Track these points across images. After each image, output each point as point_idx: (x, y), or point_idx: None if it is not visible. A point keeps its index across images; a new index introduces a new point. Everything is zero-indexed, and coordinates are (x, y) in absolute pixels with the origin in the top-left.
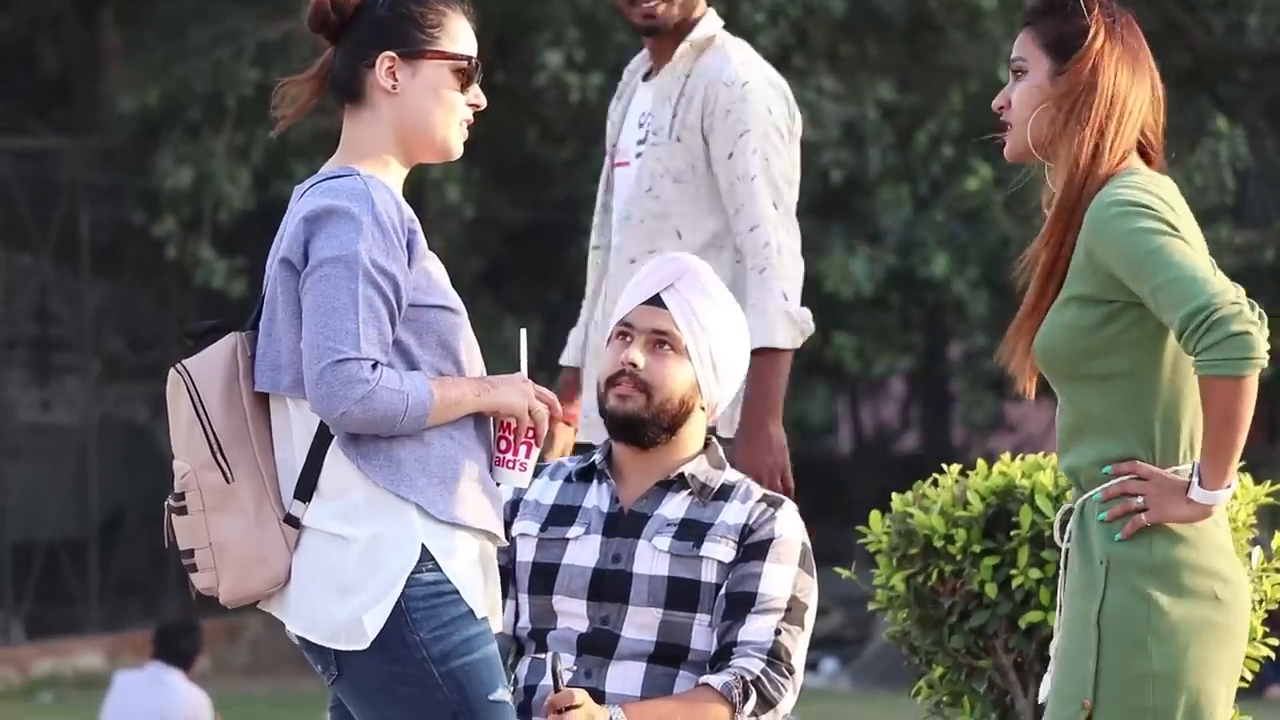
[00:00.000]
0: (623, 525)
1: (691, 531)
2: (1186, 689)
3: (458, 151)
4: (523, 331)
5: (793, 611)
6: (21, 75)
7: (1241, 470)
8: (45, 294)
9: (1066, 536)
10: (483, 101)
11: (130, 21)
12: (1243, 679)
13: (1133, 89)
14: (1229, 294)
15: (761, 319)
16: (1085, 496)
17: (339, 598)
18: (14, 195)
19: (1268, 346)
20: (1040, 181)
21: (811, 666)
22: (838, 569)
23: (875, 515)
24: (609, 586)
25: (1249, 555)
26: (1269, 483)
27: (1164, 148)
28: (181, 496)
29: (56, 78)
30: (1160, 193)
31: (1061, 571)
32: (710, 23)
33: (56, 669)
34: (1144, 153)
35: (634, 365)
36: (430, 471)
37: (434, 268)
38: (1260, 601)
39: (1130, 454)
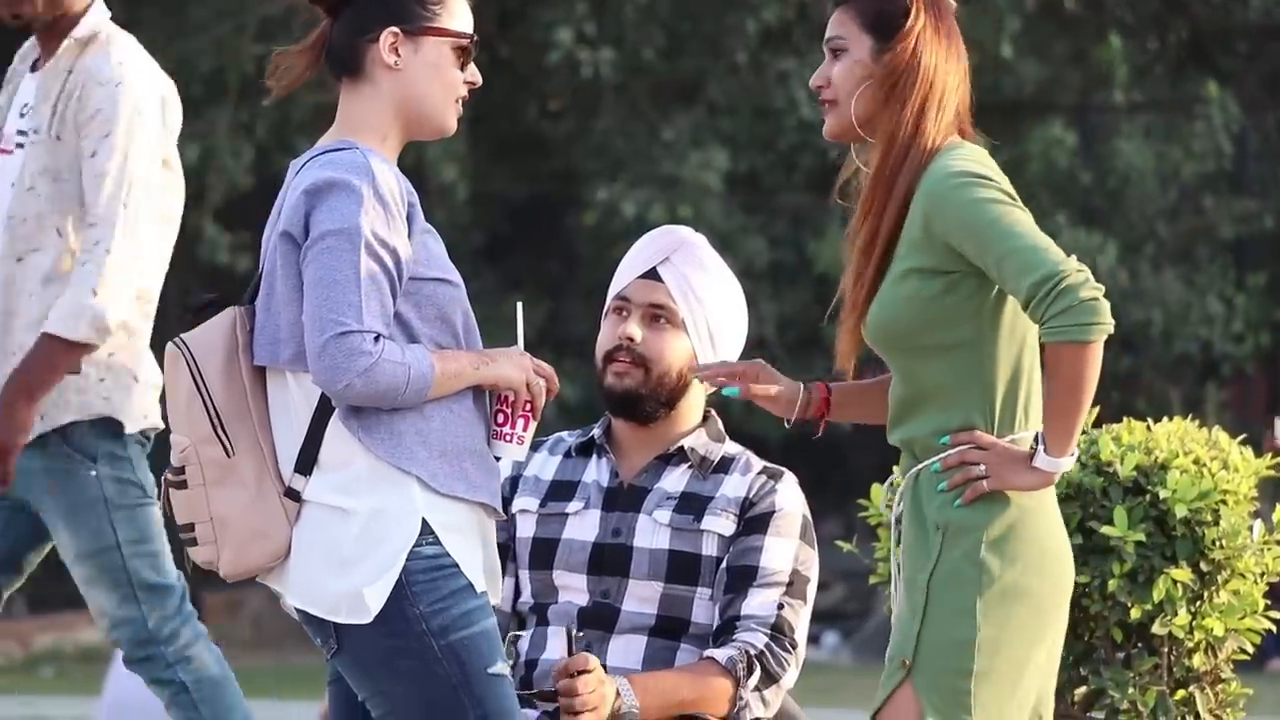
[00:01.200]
0: (622, 500)
1: (692, 505)
2: (1007, 655)
3: (452, 129)
4: (518, 305)
5: (795, 585)
6: None
7: (1242, 444)
8: None
9: (897, 502)
10: (478, 80)
11: None
12: (1244, 651)
13: (951, 67)
14: (1073, 262)
15: (66, 305)
16: (921, 466)
17: (339, 571)
18: None
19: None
20: (855, 175)
21: (813, 640)
22: (839, 542)
23: (876, 488)
24: (609, 560)
25: (1250, 528)
26: (1269, 455)
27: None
28: (180, 470)
29: None
30: (990, 164)
31: (893, 540)
32: (95, 18)
33: (58, 643)
34: (959, 130)
35: (631, 340)
36: (430, 444)
37: (433, 241)
38: (1261, 574)
39: (969, 423)
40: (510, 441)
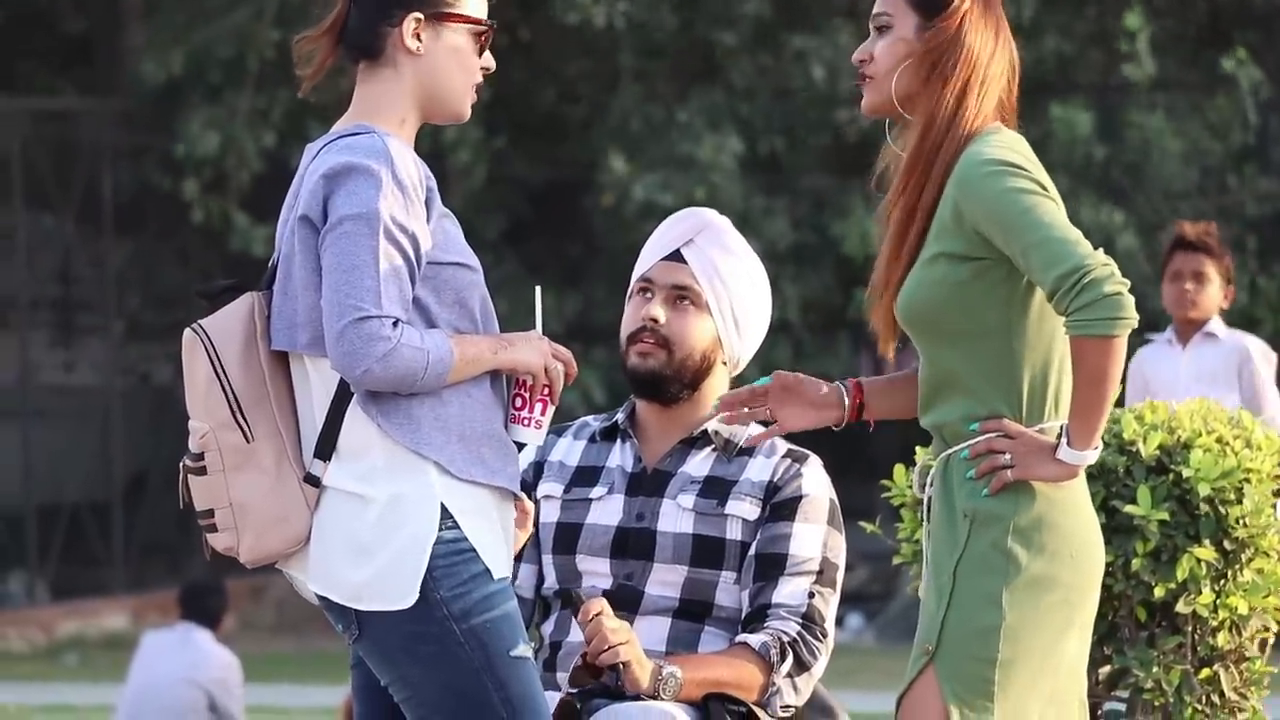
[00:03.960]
0: (646, 484)
1: (716, 489)
2: (1032, 644)
3: (467, 114)
4: (537, 289)
5: (824, 574)
6: (43, 36)
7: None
8: (68, 255)
9: (929, 485)
10: (492, 65)
11: None
12: (1267, 630)
13: (995, 54)
14: (1100, 256)
15: None
16: (951, 451)
17: (358, 557)
18: (36, 156)
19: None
20: (890, 138)
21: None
22: (862, 524)
23: (899, 469)
24: (633, 544)
25: (1273, 506)
26: None
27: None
28: (199, 457)
29: (78, 38)
30: (1027, 153)
31: (924, 523)
32: None
33: (81, 630)
34: (1000, 119)
35: (655, 320)
36: (449, 429)
37: (451, 225)
38: None
39: (995, 411)
40: (528, 426)
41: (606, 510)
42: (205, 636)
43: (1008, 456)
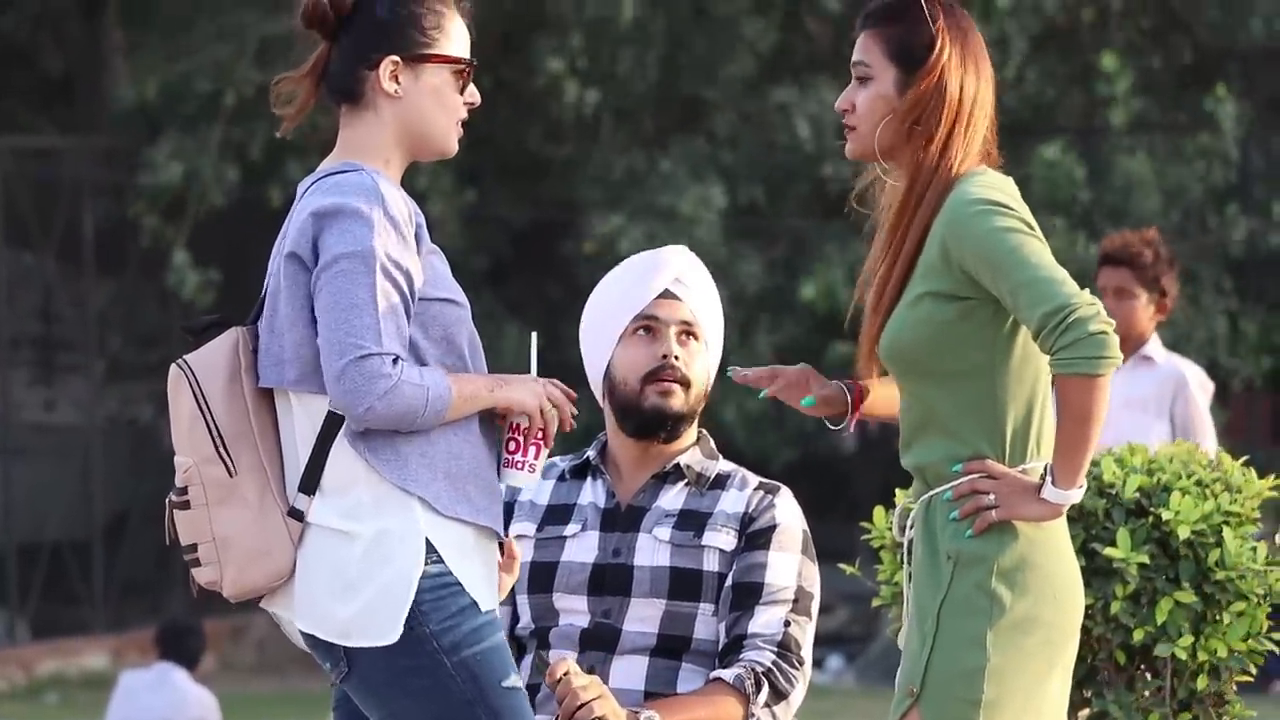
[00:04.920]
0: (621, 520)
1: (691, 521)
2: (1016, 686)
3: (453, 150)
4: (533, 335)
5: (800, 602)
6: (25, 73)
7: (1245, 464)
8: (49, 293)
9: (909, 527)
10: (478, 99)
11: (133, 20)
12: (1247, 674)
13: (978, 92)
14: (1086, 295)
15: None
16: (933, 493)
17: (345, 593)
18: (17, 193)
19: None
20: (879, 183)
21: (817, 664)
22: (842, 565)
23: (879, 511)
24: (610, 580)
25: (1253, 549)
26: (1273, 476)
27: (998, 148)
28: (184, 491)
29: (60, 76)
30: (1013, 192)
31: (905, 565)
32: None
33: (61, 669)
34: (985, 153)
35: (675, 358)
36: (435, 467)
37: (438, 261)
38: (1265, 596)
39: (978, 451)
40: (521, 470)
41: (582, 547)
42: (183, 676)
43: (991, 497)
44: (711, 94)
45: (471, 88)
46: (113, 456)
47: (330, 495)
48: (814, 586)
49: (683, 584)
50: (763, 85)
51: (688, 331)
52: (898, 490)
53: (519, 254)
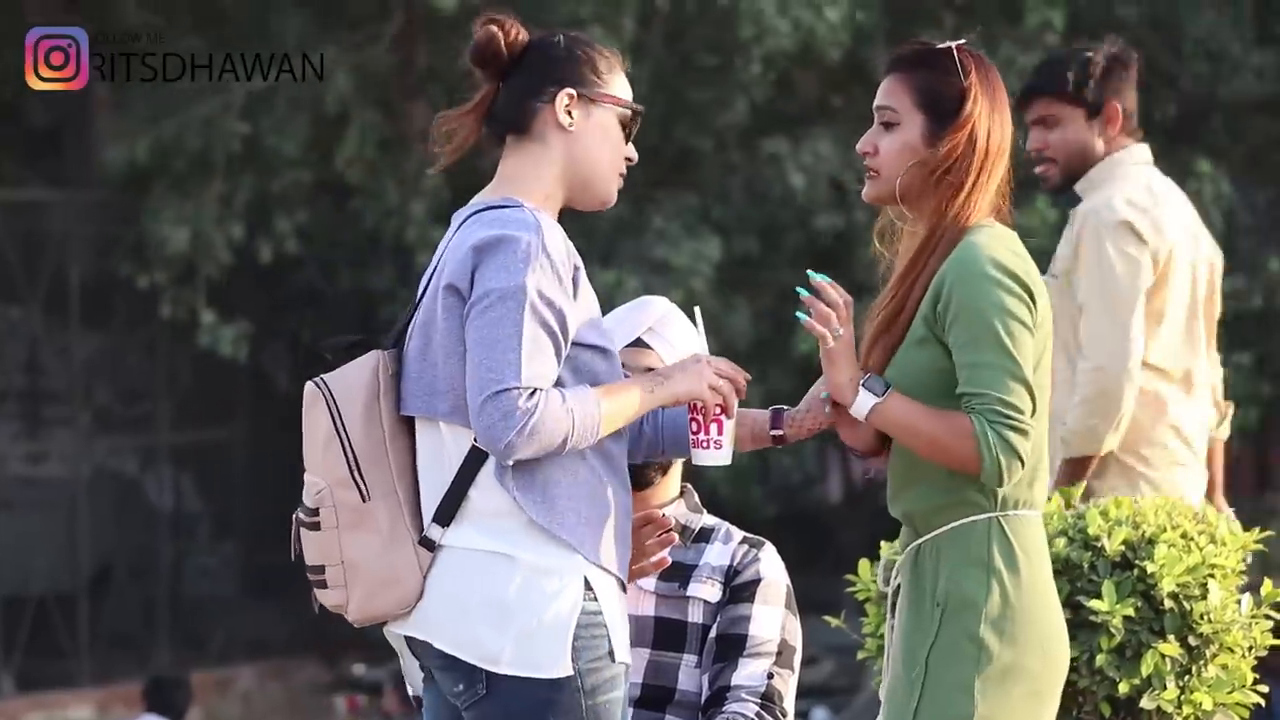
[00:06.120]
0: None
1: (676, 573)
2: None
3: (613, 199)
4: (696, 310)
5: (783, 655)
6: (11, 127)
7: (1231, 503)
8: (35, 346)
9: (894, 577)
10: (635, 157)
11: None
12: None
13: (1001, 145)
14: (1025, 416)
15: None
16: (922, 540)
17: (500, 619)
18: (4, 246)
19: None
20: (892, 224)
21: (802, 715)
22: (828, 617)
23: (864, 564)
24: None
25: (1238, 602)
26: (1258, 529)
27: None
28: (314, 512)
29: (46, 129)
30: (1022, 252)
31: (889, 616)
32: None
33: None
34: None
35: None
36: (580, 510)
37: (594, 306)
38: (1250, 648)
39: (967, 498)
40: (709, 448)
41: None
42: None
43: (831, 342)
44: (705, 144)
45: (631, 144)
46: (98, 509)
47: (478, 519)
48: (797, 640)
49: (667, 634)
50: (754, 136)
51: None
52: (883, 542)
53: None
